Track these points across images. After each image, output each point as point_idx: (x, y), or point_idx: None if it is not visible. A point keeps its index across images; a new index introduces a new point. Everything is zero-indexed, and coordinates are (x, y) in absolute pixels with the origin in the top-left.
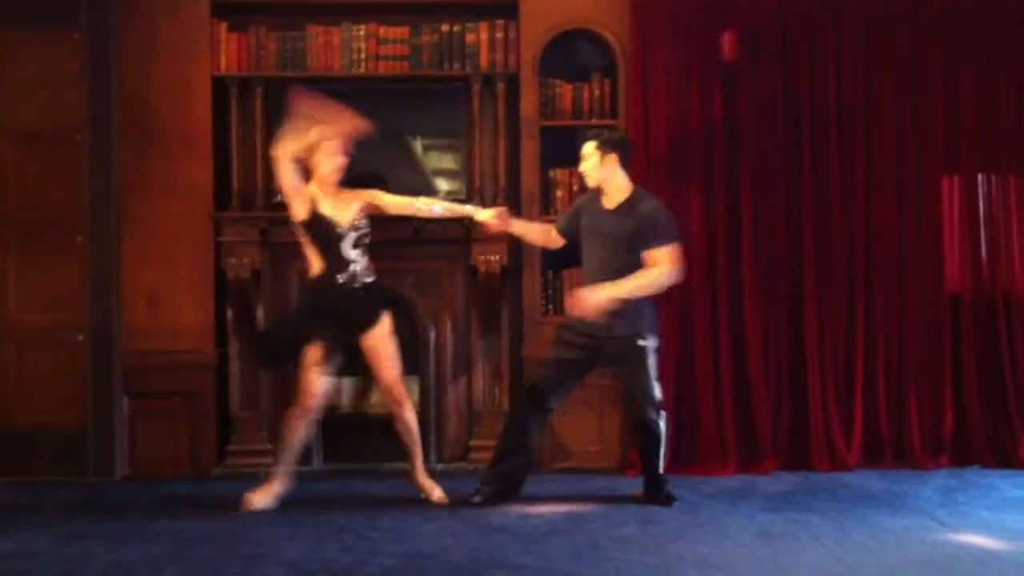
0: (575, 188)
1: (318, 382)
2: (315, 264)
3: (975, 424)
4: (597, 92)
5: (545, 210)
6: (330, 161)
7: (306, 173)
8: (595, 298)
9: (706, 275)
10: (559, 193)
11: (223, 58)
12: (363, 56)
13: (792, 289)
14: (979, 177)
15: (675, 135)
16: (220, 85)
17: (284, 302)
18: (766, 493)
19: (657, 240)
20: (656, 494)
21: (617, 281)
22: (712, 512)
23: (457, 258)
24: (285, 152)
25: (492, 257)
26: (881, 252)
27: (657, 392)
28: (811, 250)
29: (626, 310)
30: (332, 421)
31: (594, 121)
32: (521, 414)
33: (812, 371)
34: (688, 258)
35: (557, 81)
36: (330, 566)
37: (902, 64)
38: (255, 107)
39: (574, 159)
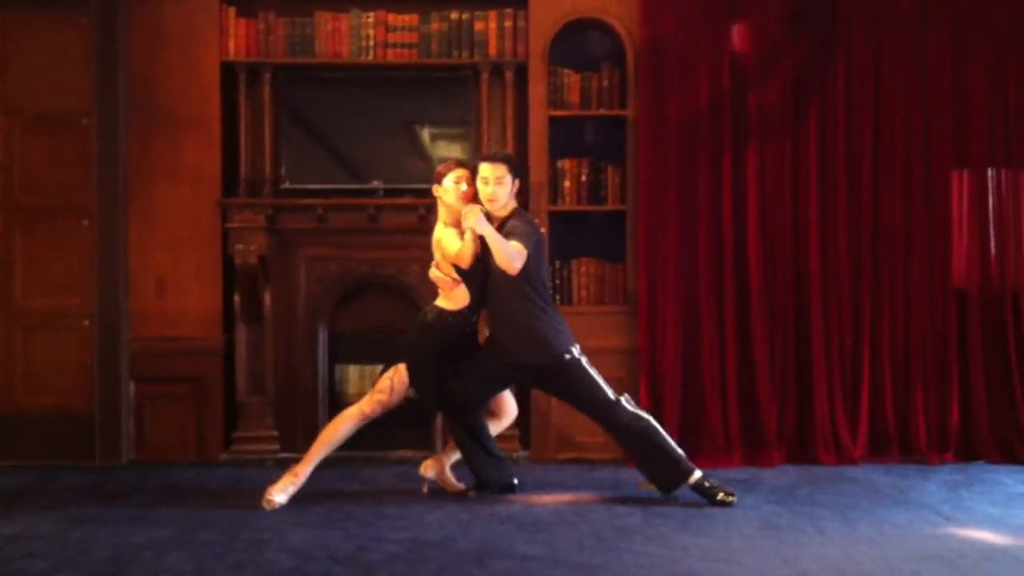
0: (583, 178)
1: (396, 395)
2: (462, 297)
3: (981, 419)
4: (606, 82)
5: (553, 200)
6: (457, 189)
7: None
8: (471, 213)
9: (712, 269)
10: (567, 183)
11: (231, 44)
12: (372, 43)
13: (798, 283)
14: (989, 172)
15: (683, 126)
16: (228, 71)
17: (291, 289)
18: (771, 486)
19: (514, 236)
20: (710, 500)
21: (494, 235)
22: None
23: None
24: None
25: None
26: (889, 246)
27: (610, 392)
28: (818, 243)
29: (536, 332)
30: (338, 409)
31: (602, 111)
32: (457, 432)
33: (818, 365)
34: (695, 251)
35: (566, 70)
36: (334, 553)
37: (912, 57)
38: (263, 93)
39: (583, 149)
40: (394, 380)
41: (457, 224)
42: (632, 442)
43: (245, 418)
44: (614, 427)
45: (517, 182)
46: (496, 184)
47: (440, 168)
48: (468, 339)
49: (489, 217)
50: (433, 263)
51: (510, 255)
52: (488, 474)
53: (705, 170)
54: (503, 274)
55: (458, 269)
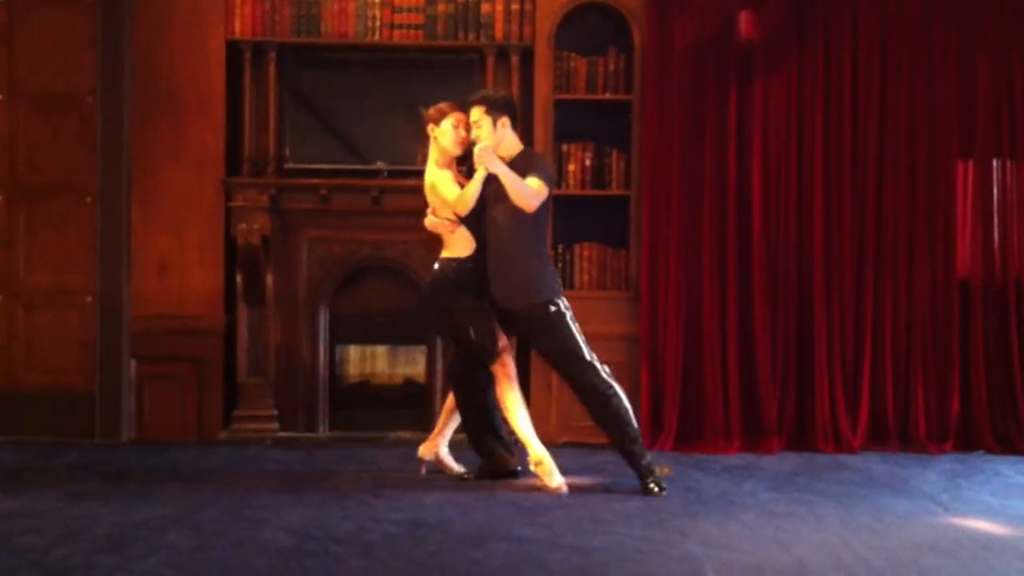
0: (587, 163)
1: (503, 340)
2: (465, 244)
3: (981, 410)
4: (612, 67)
5: (557, 184)
6: (456, 133)
7: None
8: (485, 152)
9: (715, 256)
10: (571, 167)
11: (237, 23)
12: (378, 24)
13: (801, 271)
14: (994, 163)
15: (689, 112)
16: (234, 50)
17: (293, 269)
18: (771, 473)
19: (533, 172)
20: (641, 479)
21: (509, 174)
22: (716, 490)
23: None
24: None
25: None
26: (892, 236)
27: (589, 354)
28: (821, 232)
29: (526, 278)
30: (338, 390)
31: (608, 95)
32: (464, 414)
33: (819, 353)
34: (698, 238)
35: (572, 55)
36: (332, 532)
37: (918, 48)
38: (268, 72)
39: (588, 133)
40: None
41: (450, 165)
42: (596, 406)
43: (245, 398)
44: (581, 386)
45: (504, 119)
46: (475, 128)
47: (440, 107)
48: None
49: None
50: (428, 210)
51: (526, 194)
52: (493, 457)
53: (710, 157)
54: (501, 218)
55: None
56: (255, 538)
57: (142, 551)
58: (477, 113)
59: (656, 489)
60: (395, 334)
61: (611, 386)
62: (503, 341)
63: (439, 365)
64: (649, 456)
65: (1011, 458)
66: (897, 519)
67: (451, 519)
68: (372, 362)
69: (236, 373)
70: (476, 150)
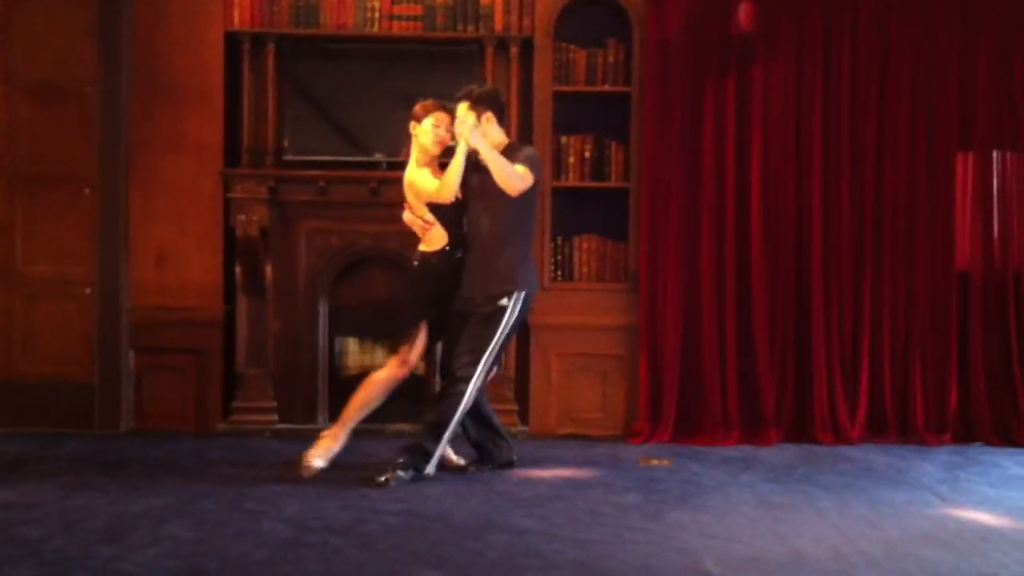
0: (587, 155)
1: (418, 352)
2: (439, 238)
3: (979, 402)
4: (612, 59)
5: (556, 176)
6: (435, 133)
7: None
8: (468, 124)
9: (714, 248)
10: (571, 159)
11: (236, 13)
12: (377, 15)
13: (800, 263)
14: (994, 155)
15: (689, 104)
16: (233, 41)
17: (292, 260)
18: (769, 464)
19: (518, 160)
20: (392, 465)
21: (491, 151)
22: (714, 481)
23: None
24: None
25: None
26: (891, 227)
27: (487, 363)
28: (820, 223)
29: (499, 272)
30: (337, 381)
31: (607, 87)
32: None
33: (817, 344)
34: (697, 230)
35: (572, 46)
36: (331, 523)
37: (918, 37)
38: (267, 63)
39: (587, 125)
40: (414, 340)
41: (430, 164)
42: (441, 399)
43: (244, 389)
44: (448, 376)
45: (488, 114)
46: (459, 124)
47: (422, 105)
48: (457, 278)
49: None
50: (405, 205)
51: (510, 175)
52: (488, 449)
53: (709, 149)
54: (483, 213)
55: (431, 207)
56: (254, 529)
57: (141, 542)
58: (462, 109)
59: (382, 480)
60: (394, 326)
61: (461, 394)
62: (416, 353)
63: (436, 359)
64: (430, 470)
65: (1009, 450)
66: (895, 510)
67: (449, 511)
68: (371, 353)
69: (235, 364)
70: (457, 126)
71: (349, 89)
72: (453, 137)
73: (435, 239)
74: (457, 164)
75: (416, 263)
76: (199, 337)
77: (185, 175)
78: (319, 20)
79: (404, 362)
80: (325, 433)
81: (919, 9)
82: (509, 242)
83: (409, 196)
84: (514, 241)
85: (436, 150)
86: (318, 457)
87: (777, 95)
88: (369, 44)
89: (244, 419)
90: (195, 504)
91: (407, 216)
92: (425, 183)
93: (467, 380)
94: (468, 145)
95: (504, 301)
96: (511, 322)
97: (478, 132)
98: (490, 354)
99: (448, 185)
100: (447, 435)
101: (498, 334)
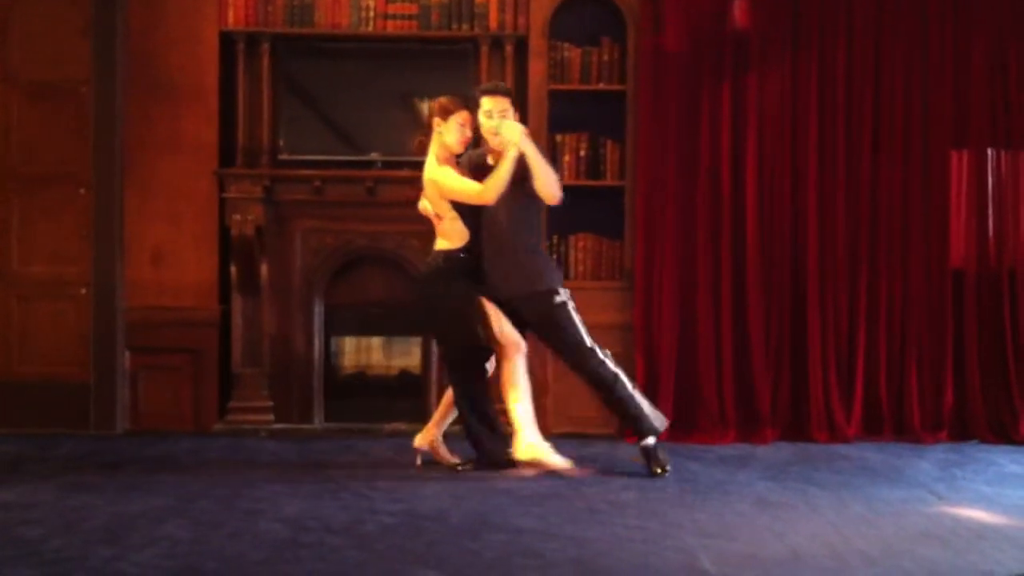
0: (582, 152)
1: (500, 325)
2: (459, 236)
3: (975, 399)
4: (606, 57)
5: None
6: (462, 132)
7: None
8: (519, 129)
9: (710, 246)
10: (566, 158)
11: (231, 13)
12: (372, 14)
13: (795, 261)
14: (989, 152)
15: (684, 102)
16: (227, 40)
17: (287, 259)
18: (765, 462)
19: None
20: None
21: (540, 157)
22: (711, 480)
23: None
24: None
25: None
26: (886, 225)
27: (591, 342)
28: (815, 222)
29: (529, 268)
30: (333, 381)
31: (602, 86)
32: (459, 404)
33: (813, 342)
34: (692, 228)
35: (566, 45)
36: (328, 523)
37: (912, 35)
38: (262, 63)
39: (582, 124)
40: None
41: (449, 161)
42: (601, 392)
43: (240, 389)
44: (587, 375)
45: (517, 115)
46: (500, 117)
47: (448, 103)
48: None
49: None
50: (422, 194)
51: (554, 181)
52: (488, 449)
53: (705, 147)
54: (502, 209)
55: (454, 204)
56: (251, 529)
57: (138, 542)
58: (505, 103)
59: (659, 472)
60: (390, 325)
61: (610, 368)
62: (514, 337)
63: (434, 357)
64: (651, 439)
65: (1005, 447)
66: (892, 508)
67: (447, 510)
68: (367, 353)
69: (231, 364)
70: (506, 131)
71: (344, 88)
72: (492, 126)
73: (453, 235)
74: (508, 168)
75: (442, 261)
76: (195, 337)
77: (181, 175)
78: (314, 19)
79: (511, 344)
80: (528, 445)
81: (912, 6)
82: (532, 241)
83: (430, 192)
84: (537, 239)
85: (460, 149)
86: (558, 459)
87: (772, 93)
88: (364, 43)
89: (240, 419)
90: (193, 504)
91: (422, 205)
92: (462, 184)
93: (604, 370)
94: (519, 150)
95: (557, 298)
96: (572, 304)
97: (528, 136)
98: (586, 336)
99: (496, 188)
100: (636, 405)
101: (575, 320)
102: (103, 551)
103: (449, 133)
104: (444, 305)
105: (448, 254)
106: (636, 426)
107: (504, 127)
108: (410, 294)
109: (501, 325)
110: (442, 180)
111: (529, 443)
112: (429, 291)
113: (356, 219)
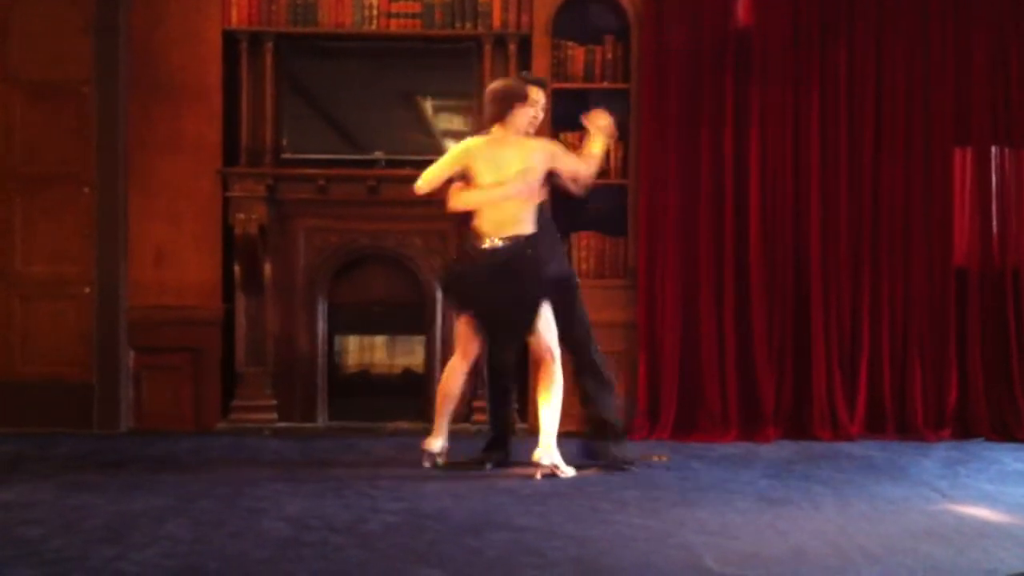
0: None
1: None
2: (528, 224)
3: (978, 397)
4: (610, 55)
5: None
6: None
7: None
8: (609, 120)
9: (712, 244)
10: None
11: (234, 12)
12: (375, 13)
13: (798, 259)
14: (992, 150)
15: (687, 100)
16: (230, 39)
17: (291, 258)
18: (768, 460)
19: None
20: (604, 445)
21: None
22: (714, 478)
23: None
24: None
25: None
26: (889, 224)
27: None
28: (818, 220)
29: (552, 251)
30: (337, 380)
31: (605, 84)
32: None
33: (816, 340)
34: (695, 226)
35: (569, 43)
36: (331, 522)
37: (914, 33)
38: (265, 62)
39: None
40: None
41: (498, 144)
42: (593, 383)
43: (243, 388)
44: (586, 362)
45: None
46: (539, 104)
47: (534, 87)
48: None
49: None
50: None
51: (592, 177)
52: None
53: (707, 146)
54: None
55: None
56: (253, 528)
57: (140, 541)
58: (540, 94)
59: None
60: (393, 324)
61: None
62: (554, 343)
63: (438, 356)
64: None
65: (1009, 445)
66: (894, 506)
67: (449, 509)
68: (370, 352)
69: (234, 363)
70: (601, 122)
71: (347, 87)
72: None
73: (527, 220)
74: (600, 157)
75: (529, 251)
76: (198, 336)
77: (183, 174)
78: (317, 18)
79: (551, 349)
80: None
81: (913, 3)
82: (554, 228)
83: (537, 170)
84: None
85: (531, 130)
86: (570, 470)
87: (774, 91)
88: (367, 42)
89: (243, 418)
90: (194, 503)
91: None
92: (575, 160)
93: (599, 360)
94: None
95: (577, 281)
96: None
97: None
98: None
99: (596, 170)
100: (611, 410)
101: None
102: (104, 551)
103: (523, 116)
104: (541, 293)
105: (531, 240)
106: (600, 431)
107: (602, 118)
108: (507, 284)
109: (550, 327)
110: (564, 153)
111: (550, 449)
112: (534, 278)
113: (359, 218)
